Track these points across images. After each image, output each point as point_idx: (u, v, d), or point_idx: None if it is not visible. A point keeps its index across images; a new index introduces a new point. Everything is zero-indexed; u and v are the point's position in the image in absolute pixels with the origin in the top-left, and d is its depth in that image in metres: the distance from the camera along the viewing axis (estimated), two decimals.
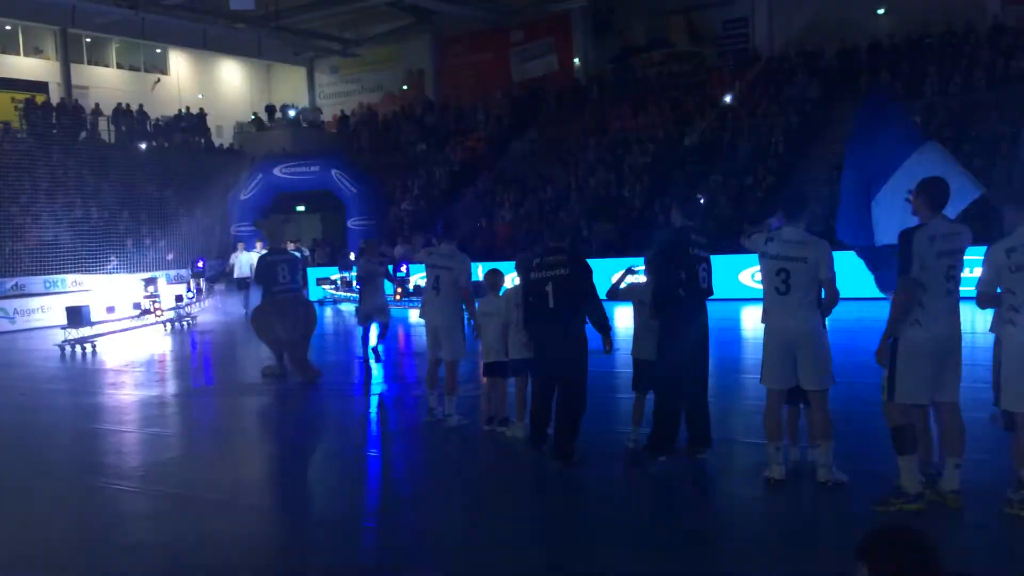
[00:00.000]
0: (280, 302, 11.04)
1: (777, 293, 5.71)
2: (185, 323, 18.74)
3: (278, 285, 11.01)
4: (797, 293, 5.63)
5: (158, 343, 16.60)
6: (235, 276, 20.81)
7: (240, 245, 21.23)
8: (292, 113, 34.14)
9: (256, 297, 12.74)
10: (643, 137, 25.48)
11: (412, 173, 29.22)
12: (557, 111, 29.78)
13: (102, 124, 30.85)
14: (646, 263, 6.90)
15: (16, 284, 21.40)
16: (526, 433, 7.31)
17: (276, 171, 27.72)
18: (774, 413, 5.87)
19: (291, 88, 39.62)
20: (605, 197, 23.46)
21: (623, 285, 7.01)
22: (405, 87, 37.13)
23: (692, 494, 6.23)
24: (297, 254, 14.85)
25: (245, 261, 20.31)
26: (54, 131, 28.21)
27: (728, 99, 25.68)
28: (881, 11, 26.95)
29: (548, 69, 33.27)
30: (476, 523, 5.79)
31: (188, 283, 21.20)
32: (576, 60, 32.87)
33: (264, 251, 19.00)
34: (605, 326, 6.71)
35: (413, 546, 5.31)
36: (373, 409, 9.75)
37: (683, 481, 6.42)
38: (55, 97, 31.06)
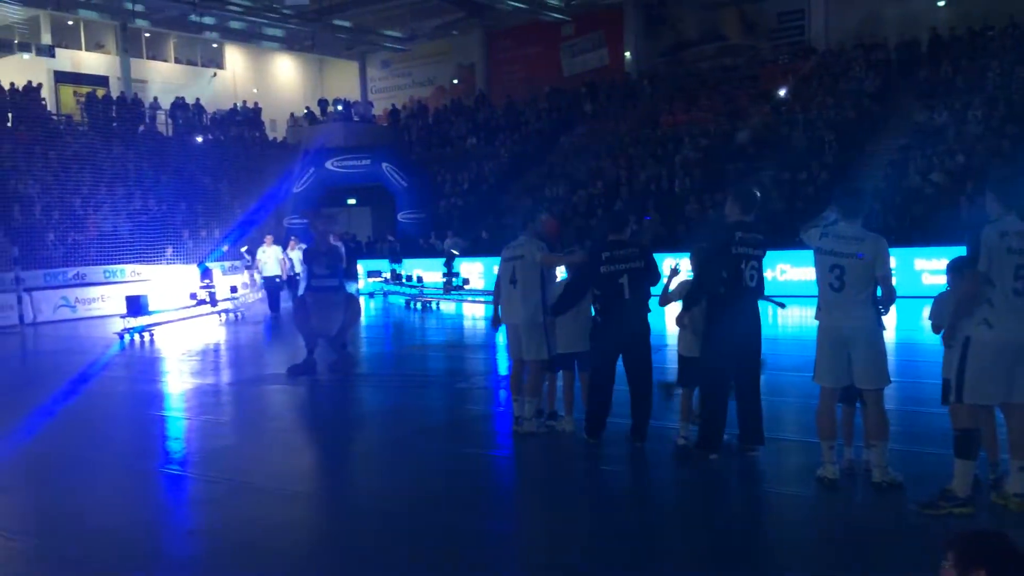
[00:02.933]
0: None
1: (831, 289, 5.63)
2: (239, 314, 19.06)
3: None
4: (851, 290, 5.54)
5: (213, 333, 16.92)
6: (263, 275, 19.36)
7: (268, 238, 19.75)
8: (341, 109, 34.42)
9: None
10: (694, 131, 25.24)
11: (462, 167, 29.34)
12: (607, 105, 29.64)
13: (160, 117, 31.52)
14: (691, 258, 6.89)
15: (78, 273, 21.98)
16: (576, 427, 7.33)
17: (328, 165, 28.08)
18: (827, 412, 5.79)
19: (343, 82, 40.04)
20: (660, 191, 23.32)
21: (671, 288, 7.00)
22: (455, 81, 37.28)
23: (744, 492, 6.18)
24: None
25: (273, 258, 19.20)
26: (114, 124, 28.90)
27: (782, 93, 25.32)
28: (942, 3, 26.35)
29: (599, 63, 33.15)
30: (523, 518, 5.80)
31: (243, 274, 21.54)
32: (627, 54, 32.69)
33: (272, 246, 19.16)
34: None
35: (458, 539, 5.35)
36: (428, 402, 9.82)
37: (735, 479, 6.37)
38: (115, 91, 31.81)
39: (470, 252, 23.05)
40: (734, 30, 30.75)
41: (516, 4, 30.94)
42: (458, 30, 35.80)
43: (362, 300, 17.21)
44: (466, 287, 20.75)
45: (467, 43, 36.49)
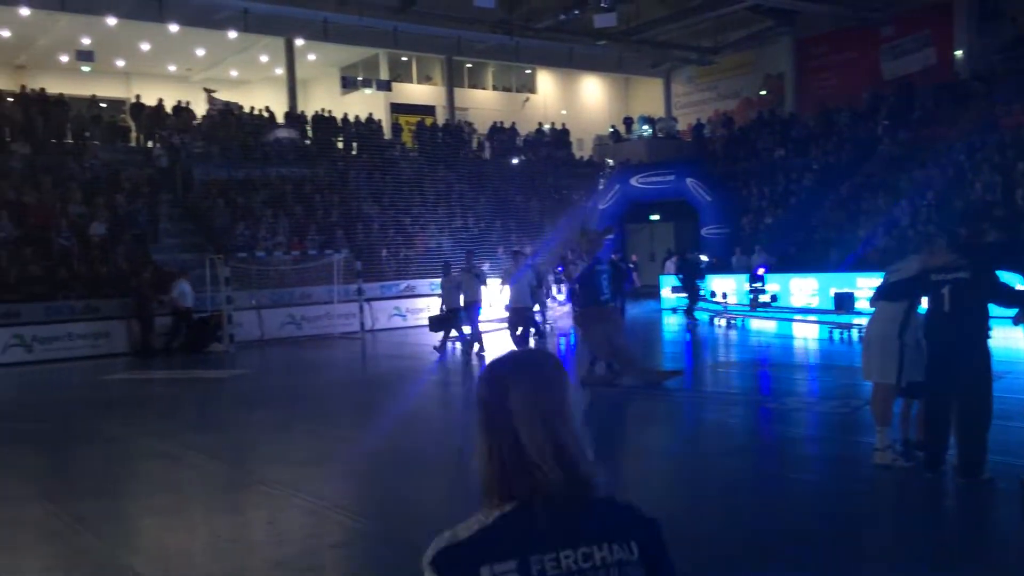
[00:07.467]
0: (604, 311, 11.52)
1: None
2: (548, 326, 19.89)
3: (602, 294, 11.47)
4: None
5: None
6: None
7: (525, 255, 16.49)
8: (647, 129, 34.75)
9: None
10: None
11: (770, 180, 28.45)
12: (934, 109, 27.27)
13: (478, 142, 33.96)
14: None
15: (407, 286, 24.28)
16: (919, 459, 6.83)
17: (632, 181, 28.57)
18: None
19: (648, 99, 40.54)
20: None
21: None
22: (763, 92, 36.29)
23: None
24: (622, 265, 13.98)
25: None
26: (439, 150, 31.62)
27: None
28: None
29: (924, 63, 30.61)
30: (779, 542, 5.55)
31: (550, 288, 22.46)
32: (958, 53, 29.86)
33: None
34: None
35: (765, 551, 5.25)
36: (742, 420, 9.70)
37: None
38: (440, 119, 34.77)
39: (779, 268, 22.29)
40: None
41: (830, 9, 29.55)
42: (766, 40, 34.85)
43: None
44: (774, 303, 20.09)
45: (775, 52, 35.39)
